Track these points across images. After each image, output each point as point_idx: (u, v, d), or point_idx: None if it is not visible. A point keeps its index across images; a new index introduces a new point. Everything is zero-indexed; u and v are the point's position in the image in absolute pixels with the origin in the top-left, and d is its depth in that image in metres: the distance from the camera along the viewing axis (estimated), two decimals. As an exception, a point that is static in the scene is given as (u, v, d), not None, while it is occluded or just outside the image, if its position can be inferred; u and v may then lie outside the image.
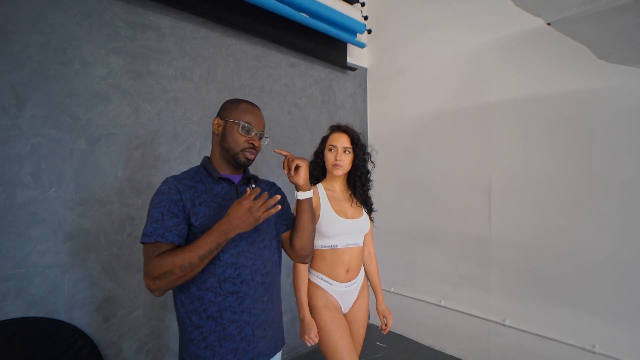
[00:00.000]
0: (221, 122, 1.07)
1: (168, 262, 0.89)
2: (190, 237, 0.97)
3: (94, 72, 1.59)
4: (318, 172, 1.59)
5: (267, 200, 0.95)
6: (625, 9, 1.63)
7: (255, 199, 0.94)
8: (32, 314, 1.43)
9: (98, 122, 1.61)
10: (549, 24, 1.96)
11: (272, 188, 1.23)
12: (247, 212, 0.92)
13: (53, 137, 1.49)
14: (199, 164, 1.11)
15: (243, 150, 1.05)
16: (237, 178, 1.11)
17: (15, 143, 1.40)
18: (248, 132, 1.04)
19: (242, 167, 1.09)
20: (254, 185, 1.06)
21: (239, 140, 1.04)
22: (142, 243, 0.94)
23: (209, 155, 1.13)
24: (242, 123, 1.04)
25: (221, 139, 1.06)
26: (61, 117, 1.51)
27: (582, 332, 1.90)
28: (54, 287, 1.49)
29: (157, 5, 1.80)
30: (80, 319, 1.55)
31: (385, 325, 1.62)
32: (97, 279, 1.61)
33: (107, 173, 1.64)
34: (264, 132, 1.10)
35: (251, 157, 1.07)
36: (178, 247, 0.94)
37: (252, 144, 1.06)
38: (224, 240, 0.93)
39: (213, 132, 1.10)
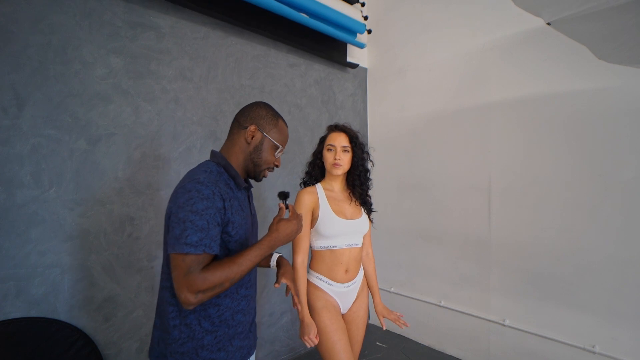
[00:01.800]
0: (258, 133, 1.03)
1: (220, 275, 0.85)
2: (222, 246, 0.94)
3: (94, 72, 1.59)
4: (317, 172, 1.58)
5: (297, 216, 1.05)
6: (625, 8, 1.63)
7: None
8: (32, 314, 1.43)
9: (98, 122, 1.61)
10: (549, 24, 1.96)
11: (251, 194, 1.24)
12: (295, 231, 1.02)
13: (53, 137, 1.49)
14: (212, 163, 1.02)
15: (267, 168, 1.06)
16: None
17: (15, 143, 1.40)
18: (278, 153, 1.06)
19: (255, 180, 1.11)
20: (287, 202, 1.12)
21: (269, 159, 1.05)
22: (184, 253, 0.83)
23: (214, 151, 1.05)
24: (280, 147, 1.05)
25: (253, 151, 1.03)
26: (61, 117, 1.51)
27: (582, 332, 1.90)
28: (54, 287, 1.49)
29: (157, 5, 1.80)
30: (80, 319, 1.55)
31: (398, 321, 1.58)
32: (97, 279, 1.61)
33: (107, 173, 1.64)
34: None
35: (267, 176, 1.09)
36: (215, 257, 0.91)
37: (276, 165, 1.08)
38: (268, 254, 0.98)
39: (242, 136, 1.02)
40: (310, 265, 1.55)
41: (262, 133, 1.03)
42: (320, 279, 1.49)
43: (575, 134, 1.93)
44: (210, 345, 0.95)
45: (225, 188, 0.95)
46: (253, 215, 1.11)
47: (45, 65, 1.47)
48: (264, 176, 1.08)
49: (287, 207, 1.13)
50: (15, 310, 1.39)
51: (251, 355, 1.09)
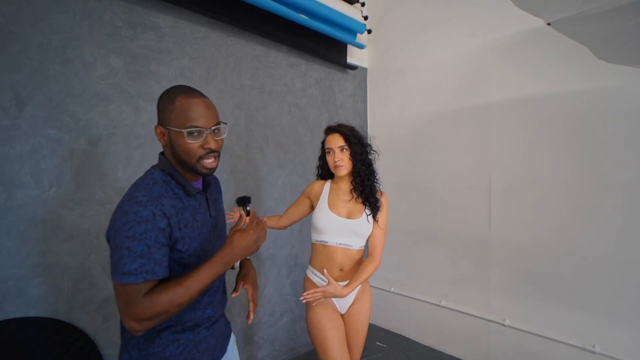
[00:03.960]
0: (164, 130, 0.87)
1: (164, 301, 0.78)
2: (171, 263, 0.86)
3: (94, 72, 1.59)
4: (325, 174, 1.62)
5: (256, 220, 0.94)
6: (625, 9, 1.63)
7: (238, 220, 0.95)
8: (32, 314, 1.43)
9: (98, 122, 1.61)
10: (549, 24, 1.96)
11: (217, 186, 1.12)
12: (253, 243, 0.90)
13: (53, 137, 1.49)
14: (158, 171, 0.89)
15: (200, 159, 0.88)
16: (199, 184, 0.98)
17: (15, 143, 1.40)
18: (198, 135, 0.86)
19: (206, 176, 0.97)
20: (248, 208, 1.01)
21: (192, 149, 0.86)
22: (122, 283, 0.76)
23: (162, 155, 0.94)
24: (185, 131, 0.84)
25: (172, 151, 0.88)
26: (61, 117, 1.51)
27: (582, 332, 1.90)
28: (54, 287, 1.49)
29: (157, 5, 1.80)
30: (80, 319, 1.55)
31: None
32: (97, 279, 1.60)
33: (107, 173, 1.64)
34: (218, 123, 0.90)
35: (212, 164, 0.90)
36: (162, 280, 0.82)
37: (208, 148, 0.87)
38: (225, 271, 0.88)
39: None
40: (310, 260, 1.59)
41: (165, 127, 0.86)
42: (316, 275, 1.51)
43: (575, 134, 1.93)
44: (174, 355, 0.90)
45: (171, 201, 0.85)
46: (214, 217, 1.00)
47: (45, 65, 1.46)
48: (208, 168, 0.90)
49: (247, 214, 1.01)
50: (15, 310, 1.39)
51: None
